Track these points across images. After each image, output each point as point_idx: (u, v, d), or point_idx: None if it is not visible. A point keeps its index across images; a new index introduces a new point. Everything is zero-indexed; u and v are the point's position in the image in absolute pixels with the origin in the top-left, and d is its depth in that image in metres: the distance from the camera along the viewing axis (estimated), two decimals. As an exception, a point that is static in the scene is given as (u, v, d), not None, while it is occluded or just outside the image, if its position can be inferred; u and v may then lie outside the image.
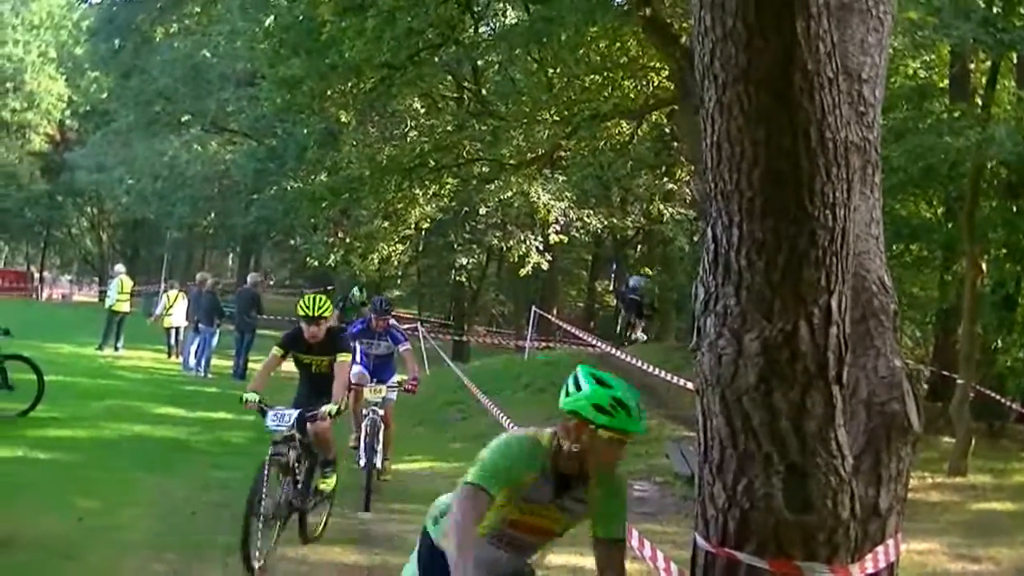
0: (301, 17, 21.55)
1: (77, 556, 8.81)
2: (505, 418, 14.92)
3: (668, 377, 16.18)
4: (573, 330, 28.06)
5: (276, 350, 10.79)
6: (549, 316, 33.56)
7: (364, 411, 13.27)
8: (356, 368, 13.26)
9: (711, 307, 3.94)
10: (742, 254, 3.80)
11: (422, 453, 16.99)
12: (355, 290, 13.98)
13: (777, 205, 3.72)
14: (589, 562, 9.90)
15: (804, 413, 3.80)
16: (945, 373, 19.05)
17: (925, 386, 20.56)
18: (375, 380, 13.66)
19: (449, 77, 28.68)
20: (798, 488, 3.79)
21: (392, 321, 14.36)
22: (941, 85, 19.94)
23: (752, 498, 3.82)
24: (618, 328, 25.17)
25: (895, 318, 4.74)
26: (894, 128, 16.18)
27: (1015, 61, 18.50)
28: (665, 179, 35.31)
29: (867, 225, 4.80)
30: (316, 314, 10.17)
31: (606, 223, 40.15)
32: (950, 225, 19.02)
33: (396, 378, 14.05)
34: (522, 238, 37.87)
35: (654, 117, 27.16)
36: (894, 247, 18.29)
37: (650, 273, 29.55)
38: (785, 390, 3.79)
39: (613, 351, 19.70)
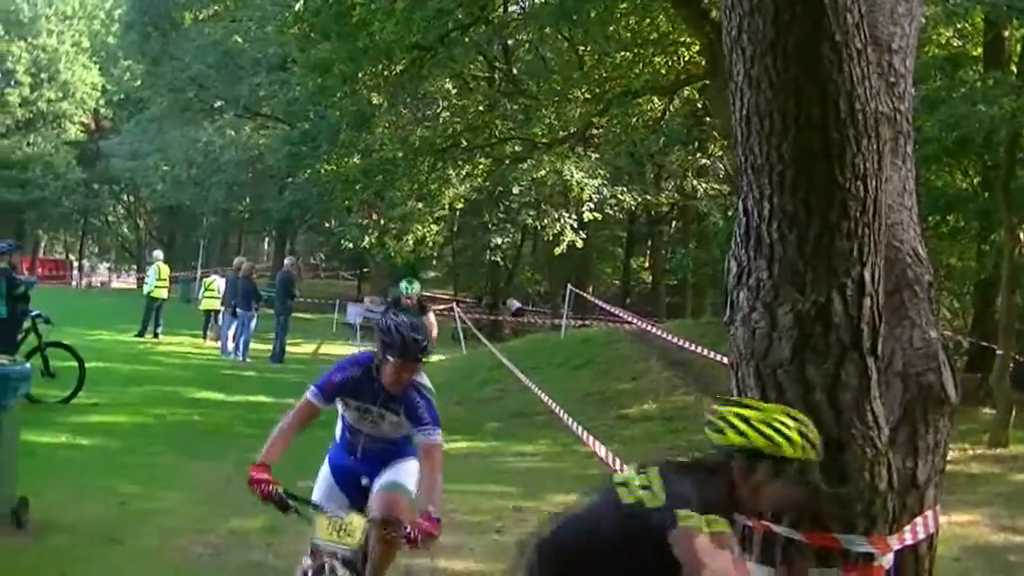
0: (331, 0, 21.55)
1: (120, 539, 8.90)
2: (544, 395, 14.93)
3: (704, 352, 16.17)
4: (608, 307, 28.02)
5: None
6: (585, 294, 33.54)
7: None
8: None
9: (744, 281, 3.94)
10: (773, 227, 3.80)
11: (459, 433, 17.01)
12: (404, 283, 11.19)
13: (808, 177, 3.71)
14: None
15: (839, 385, 3.80)
16: (984, 344, 18.91)
17: (964, 357, 20.46)
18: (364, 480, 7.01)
19: (480, 57, 28.60)
20: (834, 460, 3.78)
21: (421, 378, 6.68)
22: (975, 54, 19.75)
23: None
24: None
25: (930, 289, 4.72)
26: (927, 98, 16.05)
27: (1050, 28, 18.34)
28: (698, 154, 35.24)
29: (900, 196, 4.77)
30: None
31: (640, 200, 40.05)
32: (986, 195, 18.85)
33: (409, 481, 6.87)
34: (556, 216, 37.81)
35: (686, 92, 27.02)
36: (929, 218, 18.16)
37: None
38: (819, 363, 3.79)
39: (648, 327, 19.67)
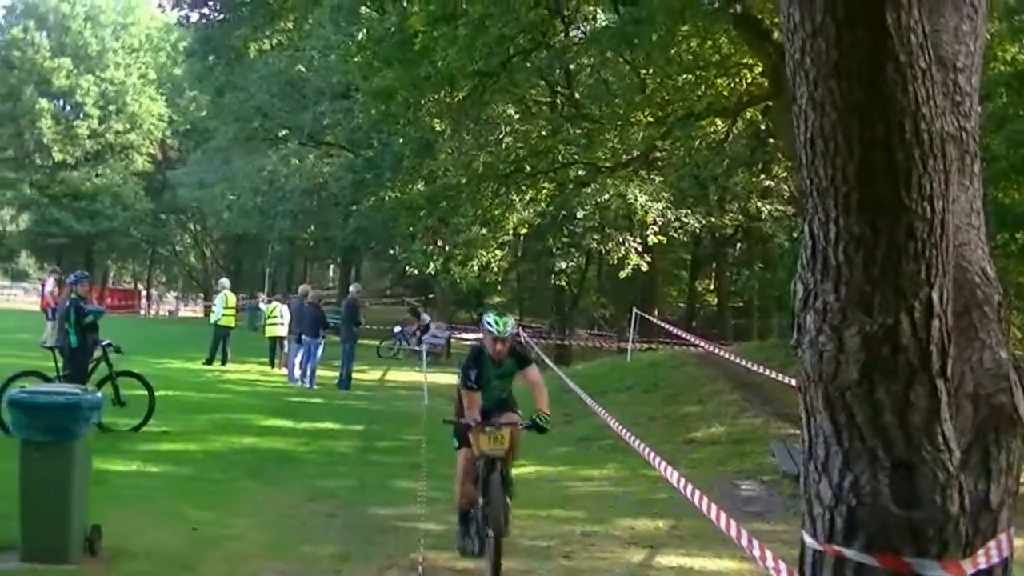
0: (393, 29, 21.75)
1: (192, 566, 9.00)
2: (612, 420, 14.91)
3: (771, 374, 16.08)
4: (674, 330, 27.95)
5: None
6: (650, 317, 33.47)
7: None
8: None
9: (810, 304, 3.92)
10: (840, 249, 3.78)
11: (527, 457, 16.92)
12: (493, 318, 11.12)
13: (874, 199, 3.69)
14: (697, 563, 9.94)
15: (908, 407, 3.77)
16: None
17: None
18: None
19: (542, 82, 28.70)
20: (905, 483, 3.75)
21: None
22: (1043, 70, 19.57)
23: (859, 494, 3.80)
24: None
25: (999, 309, 4.67)
26: (994, 116, 15.92)
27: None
28: (762, 176, 35.11)
29: (967, 216, 4.74)
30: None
31: (704, 222, 39.97)
32: (1056, 212, 18.62)
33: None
34: (620, 240, 37.82)
35: (749, 114, 26.96)
36: (997, 237, 17.96)
37: None
38: (888, 384, 3.76)
39: (714, 350, 19.60)
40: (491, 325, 9.49)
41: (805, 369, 3.97)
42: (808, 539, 3.99)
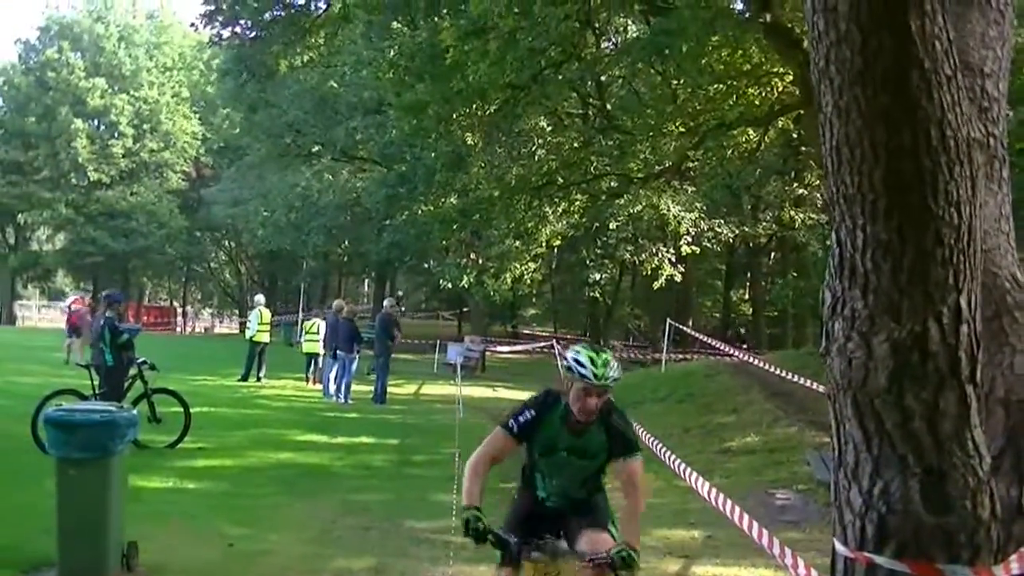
0: (424, 44, 21.81)
1: (227, 582, 9.04)
2: (645, 432, 14.90)
3: (806, 383, 16.03)
4: (709, 340, 27.88)
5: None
6: (684, 328, 33.42)
7: None
8: None
9: (839, 311, 3.93)
10: (868, 257, 3.79)
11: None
12: (587, 355, 8.30)
13: (900, 206, 3.70)
14: (732, 572, 9.92)
15: (938, 414, 3.77)
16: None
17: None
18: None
19: (573, 94, 28.74)
20: (936, 489, 3.75)
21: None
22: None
23: (889, 501, 3.80)
24: None
25: (1030, 314, 4.66)
26: (1024, 123, 15.86)
27: None
28: (795, 184, 35.08)
29: (996, 221, 4.74)
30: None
31: (738, 232, 39.92)
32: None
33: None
34: (654, 251, 37.80)
35: (780, 123, 26.90)
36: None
37: None
38: (917, 391, 3.76)
39: (749, 359, 19.56)
40: (583, 365, 5.72)
41: (834, 376, 3.98)
42: (839, 546, 4.00)
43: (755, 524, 8.10)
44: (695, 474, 10.46)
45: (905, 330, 3.75)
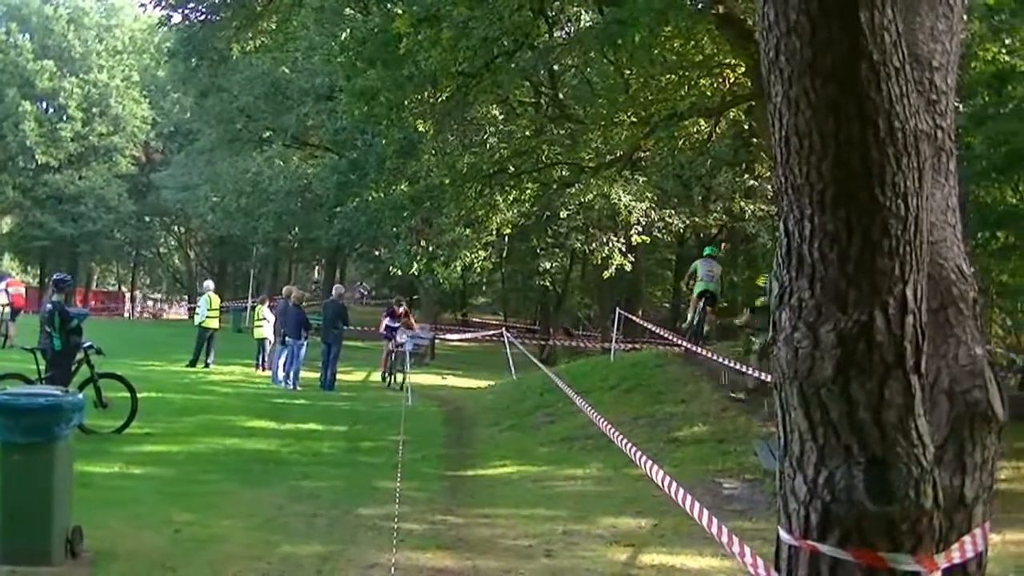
0: (376, 30, 21.71)
1: (175, 567, 9.02)
2: (600, 419, 14.98)
3: (755, 374, 16.14)
4: (657, 330, 27.94)
5: None
6: (634, 317, 33.49)
7: None
8: None
9: (786, 301, 3.95)
10: (815, 247, 3.80)
11: (509, 457, 17.06)
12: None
13: (848, 196, 3.72)
14: (679, 561, 9.97)
15: (883, 404, 3.79)
16: (1039, 362, 18.75)
17: (1019, 375, 20.26)
18: None
19: (526, 83, 28.70)
20: (879, 479, 3.77)
21: None
22: (1023, 69, 19.62)
23: (833, 490, 3.82)
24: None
25: (975, 306, 4.70)
26: (974, 115, 15.99)
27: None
28: (746, 176, 35.22)
29: (943, 213, 4.77)
30: None
31: (688, 222, 40.09)
32: (1037, 211, 18.70)
33: None
34: (604, 240, 37.89)
35: (732, 114, 26.99)
36: (979, 235, 18.04)
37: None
38: (863, 381, 3.78)
39: (699, 350, 19.63)
40: None
41: (780, 366, 4.00)
42: (784, 534, 4.02)
43: (704, 512, 8.15)
44: (648, 461, 10.51)
45: (851, 320, 3.77)
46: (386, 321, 30.74)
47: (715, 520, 7.80)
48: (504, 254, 47.17)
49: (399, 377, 27.90)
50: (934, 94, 4.87)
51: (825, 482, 3.85)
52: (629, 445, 11.56)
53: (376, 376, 32.07)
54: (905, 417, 3.82)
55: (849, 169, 3.70)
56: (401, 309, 30.97)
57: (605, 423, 13.70)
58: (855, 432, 3.80)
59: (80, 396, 9.68)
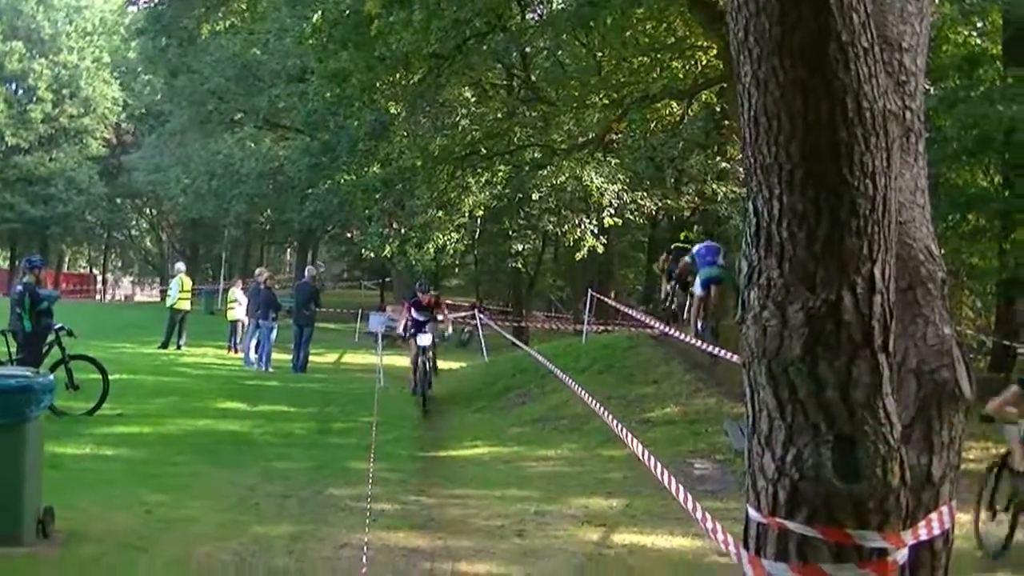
0: (348, 11, 21.66)
1: (146, 547, 9.04)
2: (585, 393, 15.06)
3: (725, 355, 16.21)
4: (630, 312, 27.99)
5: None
6: (606, 299, 33.54)
7: None
8: None
9: (755, 280, 3.96)
10: (783, 226, 3.81)
11: (481, 438, 17.10)
12: None
13: (816, 176, 3.73)
14: (650, 541, 10.02)
15: (851, 382, 3.81)
16: (1008, 343, 18.87)
17: (988, 357, 20.40)
18: None
19: (498, 65, 28.71)
20: (847, 457, 3.79)
21: None
22: (994, 52, 19.69)
23: (801, 468, 3.83)
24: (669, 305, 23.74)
25: (943, 286, 4.72)
26: (945, 98, 16.06)
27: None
28: (718, 158, 35.24)
29: (912, 194, 4.78)
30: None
31: (661, 204, 40.11)
32: (1007, 193, 18.79)
33: None
34: (576, 222, 37.87)
35: (704, 96, 27.06)
36: (949, 217, 18.13)
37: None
38: (831, 360, 3.80)
39: (671, 332, 19.68)
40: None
41: (749, 345, 4.01)
42: (752, 512, 4.04)
43: (682, 489, 8.22)
44: (632, 438, 10.59)
45: (819, 299, 3.79)
46: (409, 314, 22.28)
47: (690, 497, 7.89)
48: (476, 236, 47.12)
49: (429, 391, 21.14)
50: (903, 75, 4.88)
51: (793, 460, 3.87)
52: (614, 421, 11.67)
53: (351, 358, 32.07)
54: (873, 396, 3.84)
55: (817, 149, 3.72)
56: (429, 296, 22.49)
57: (591, 399, 13.83)
58: (823, 410, 3.82)
59: (51, 377, 9.65)
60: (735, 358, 14.54)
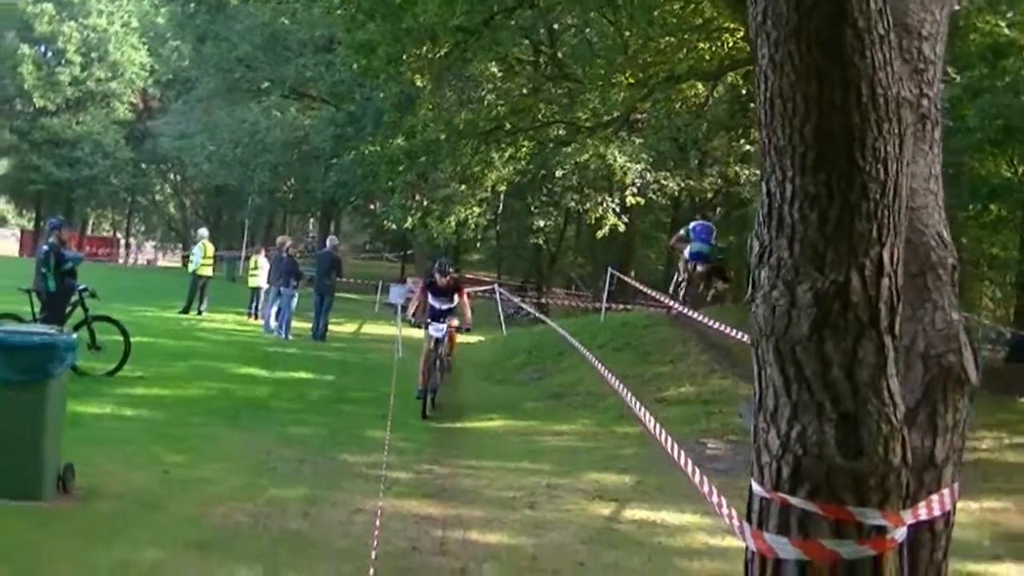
0: (377, -19, 21.67)
1: (162, 507, 9.14)
2: (600, 365, 15.13)
3: (742, 337, 16.26)
4: (647, 291, 28.02)
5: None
6: (626, 278, 33.58)
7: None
8: None
9: (765, 260, 4.03)
10: (795, 207, 3.88)
11: (497, 411, 17.18)
12: None
13: (829, 160, 3.80)
14: (660, 516, 10.11)
15: (856, 362, 3.88)
16: (1027, 333, 18.87)
17: (1007, 348, 20.39)
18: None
19: (525, 40, 28.65)
20: (850, 435, 3.87)
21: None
22: (1022, 43, 19.60)
23: (805, 445, 3.90)
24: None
25: (954, 272, 4.78)
26: (969, 87, 16.02)
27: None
28: (742, 141, 35.15)
29: (926, 181, 4.84)
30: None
31: (683, 185, 40.08)
32: (1032, 184, 18.76)
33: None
34: (599, 200, 37.88)
35: (729, 78, 26.94)
36: (971, 207, 18.10)
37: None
38: (837, 340, 3.87)
39: (688, 312, 19.75)
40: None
41: (758, 323, 4.09)
42: (756, 487, 4.11)
43: (690, 464, 8.31)
44: (647, 413, 10.69)
45: (828, 280, 3.86)
46: (424, 297, 18.28)
47: (698, 472, 7.98)
48: (499, 211, 47.14)
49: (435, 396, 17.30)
50: (922, 63, 4.94)
51: (797, 437, 3.94)
52: (631, 397, 11.76)
53: (370, 329, 32.21)
54: (877, 376, 3.91)
55: (830, 133, 3.78)
56: (448, 278, 18.00)
57: (609, 375, 13.92)
58: (828, 389, 3.90)
59: (74, 336, 9.77)
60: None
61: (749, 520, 4.21)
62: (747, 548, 4.19)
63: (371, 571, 6.84)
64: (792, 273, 3.94)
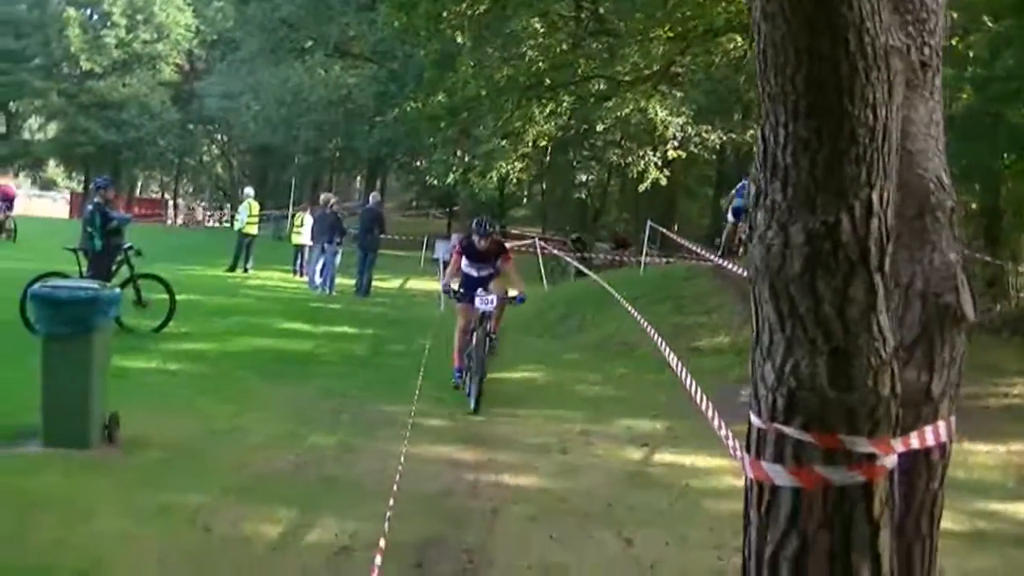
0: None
1: (205, 455, 9.45)
2: (638, 314, 15.31)
3: (732, 267, 16.49)
4: (688, 244, 28.07)
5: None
6: (667, 231, 33.60)
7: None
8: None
9: (761, 202, 4.20)
10: (787, 152, 4.05)
11: (536, 363, 17.36)
12: None
13: (819, 106, 3.96)
14: (689, 460, 10.33)
15: (847, 299, 4.05)
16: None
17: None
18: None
19: (566, -5, 28.68)
20: (841, 368, 4.04)
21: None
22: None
23: (799, 378, 4.08)
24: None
25: (952, 214, 4.92)
26: (1000, 35, 15.98)
27: None
28: (782, 93, 34.94)
29: (926, 126, 4.97)
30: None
31: (725, 138, 39.96)
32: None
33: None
34: (641, 154, 37.86)
35: (769, 31, 26.85)
36: (1005, 156, 18.06)
37: None
38: (828, 278, 4.04)
39: (727, 264, 19.84)
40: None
41: (755, 262, 4.27)
42: (754, 418, 4.31)
43: (710, 407, 8.52)
44: (676, 358, 10.90)
45: (819, 221, 4.03)
46: (455, 262, 14.93)
47: (716, 415, 8.19)
48: (544, 166, 47.17)
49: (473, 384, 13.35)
50: (923, 12, 5.07)
51: (791, 370, 4.13)
52: (664, 346, 11.96)
53: (414, 284, 32.44)
54: (867, 313, 4.09)
55: (820, 81, 3.95)
56: (490, 239, 14.53)
57: (645, 323, 14.10)
58: (820, 325, 4.08)
59: (117, 291, 10.07)
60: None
61: (748, 449, 4.42)
62: (745, 476, 4.39)
63: (403, 511, 7.10)
64: (786, 215, 4.11)
